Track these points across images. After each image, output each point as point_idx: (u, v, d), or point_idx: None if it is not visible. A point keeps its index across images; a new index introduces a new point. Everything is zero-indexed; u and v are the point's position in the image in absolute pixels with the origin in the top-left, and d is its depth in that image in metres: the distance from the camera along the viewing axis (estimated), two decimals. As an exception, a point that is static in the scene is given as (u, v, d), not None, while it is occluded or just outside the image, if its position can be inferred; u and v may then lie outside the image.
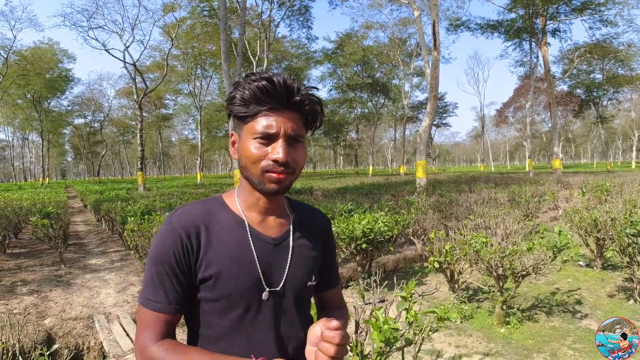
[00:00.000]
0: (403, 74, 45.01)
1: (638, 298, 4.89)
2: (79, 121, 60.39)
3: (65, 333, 4.61)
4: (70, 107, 54.09)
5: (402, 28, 42.29)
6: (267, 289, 1.10)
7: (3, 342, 3.43)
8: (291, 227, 1.19)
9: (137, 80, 28.10)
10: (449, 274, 5.20)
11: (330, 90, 50.28)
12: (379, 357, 2.12)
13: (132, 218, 6.87)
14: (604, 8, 27.15)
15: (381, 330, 1.91)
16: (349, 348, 2.21)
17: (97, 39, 29.68)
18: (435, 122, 54.41)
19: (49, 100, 47.88)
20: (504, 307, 4.54)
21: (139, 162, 26.30)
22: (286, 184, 1.07)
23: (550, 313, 4.80)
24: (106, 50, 27.89)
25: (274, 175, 1.04)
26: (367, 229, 5.65)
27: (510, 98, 59.01)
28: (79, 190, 26.41)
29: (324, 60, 45.91)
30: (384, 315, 2.01)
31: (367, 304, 3.65)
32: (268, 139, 1.04)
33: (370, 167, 48.89)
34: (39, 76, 40.32)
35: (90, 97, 54.96)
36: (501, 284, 4.52)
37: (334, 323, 0.99)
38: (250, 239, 1.11)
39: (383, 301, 3.01)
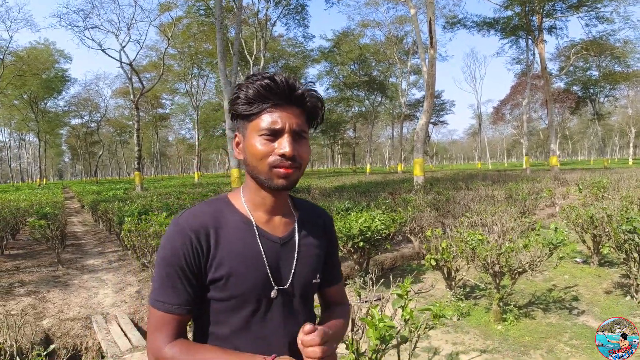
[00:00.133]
0: (400, 72, 45.01)
1: (635, 294, 4.91)
2: (75, 121, 60.34)
3: (63, 334, 4.61)
4: (66, 108, 54.00)
5: (398, 26, 42.33)
6: (276, 287, 1.12)
7: (0, 343, 3.43)
8: (296, 226, 1.21)
9: (133, 80, 28.08)
10: (445, 272, 5.21)
11: (328, 88, 50.28)
12: (374, 355, 2.13)
13: (129, 218, 6.86)
14: (600, 5, 27.18)
15: (377, 328, 1.92)
16: (344, 346, 2.22)
17: (93, 39, 29.69)
18: (432, 120, 54.46)
19: (45, 101, 47.74)
20: (501, 304, 4.55)
21: (136, 162, 26.27)
22: (293, 179, 1.09)
23: (547, 310, 4.81)
24: (102, 50, 27.85)
25: (281, 170, 1.06)
26: (364, 227, 5.66)
27: (507, 95, 59.11)
28: (76, 190, 26.36)
29: (321, 58, 45.87)
30: (380, 313, 2.02)
31: (364, 302, 3.65)
32: (274, 135, 1.06)
33: (368, 166, 48.95)
34: (35, 77, 40.20)
35: (87, 97, 54.81)
36: (498, 281, 4.53)
37: (307, 327, 1.02)
38: (258, 238, 1.12)
39: (380, 299, 3.02)
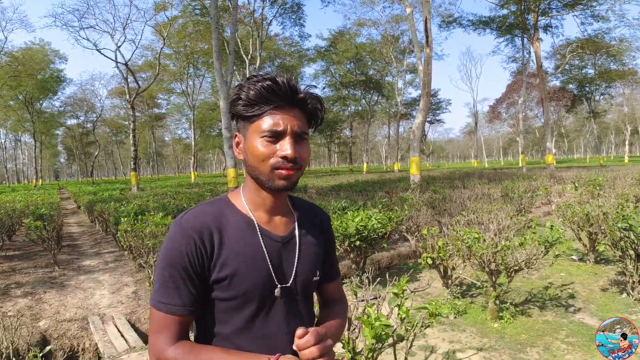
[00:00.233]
0: (396, 71, 45.03)
1: (631, 292, 4.93)
2: (71, 122, 60.19)
3: (60, 335, 4.60)
4: (62, 108, 53.86)
5: (394, 25, 42.33)
6: (279, 285, 1.14)
7: (-4, 345, 3.42)
8: (296, 225, 1.23)
9: (129, 80, 27.99)
10: (442, 270, 5.22)
11: (324, 88, 50.25)
12: (371, 354, 2.13)
13: (126, 218, 6.84)
14: (595, 3, 27.27)
15: (373, 327, 1.92)
16: (341, 345, 2.23)
17: (88, 39, 29.48)
18: (428, 119, 54.56)
19: (41, 101, 47.58)
20: (497, 302, 4.56)
21: (132, 162, 26.25)
22: (294, 180, 1.11)
23: (544, 307, 4.83)
24: (98, 50, 27.82)
25: (283, 171, 1.07)
26: (361, 226, 5.66)
27: (503, 94, 59.25)
28: (72, 191, 26.27)
29: (317, 58, 45.88)
30: (376, 312, 2.02)
31: (361, 301, 3.65)
32: (275, 136, 1.07)
33: (365, 165, 48.99)
34: (31, 77, 40.07)
35: (83, 98, 54.71)
36: (494, 279, 4.54)
37: (300, 331, 1.02)
38: (260, 238, 1.14)
39: (377, 298, 3.03)
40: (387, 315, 2.32)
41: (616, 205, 6.65)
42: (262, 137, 1.07)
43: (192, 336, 1.16)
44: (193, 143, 45.80)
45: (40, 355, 3.02)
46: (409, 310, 2.37)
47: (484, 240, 4.75)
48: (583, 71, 40.10)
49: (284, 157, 1.06)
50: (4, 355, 3.37)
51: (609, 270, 6.04)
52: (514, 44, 33.61)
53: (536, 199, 11.72)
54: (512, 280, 4.60)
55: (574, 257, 6.78)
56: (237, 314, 1.10)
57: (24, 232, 9.15)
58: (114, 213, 8.57)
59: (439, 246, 5.00)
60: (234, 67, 18.95)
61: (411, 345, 2.61)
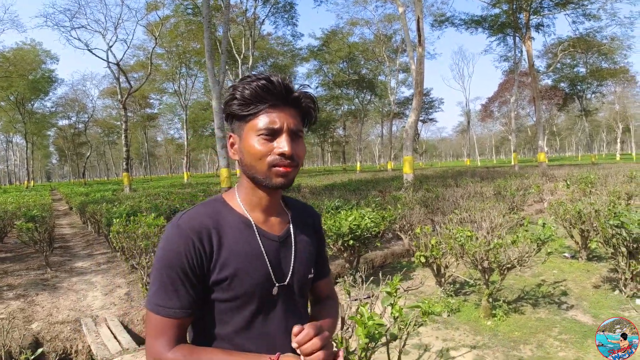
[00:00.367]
0: (389, 70, 45.08)
1: (623, 288, 4.96)
2: (63, 122, 59.75)
3: (52, 337, 4.57)
4: (54, 109, 53.43)
5: (387, 24, 42.36)
6: (277, 284, 1.15)
7: (-13, 348, 3.39)
8: (291, 224, 1.24)
9: (121, 80, 27.88)
10: (435, 268, 5.23)
11: (317, 87, 50.24)
12: (364, 353, 2.13)
13: (118, 220, 6.81)
14: (587, 2, 27.42)
15: (366, 326, 1.92)
16: (334, 344, 2.22)
17: (79, 39, 29.42)
18: (421, 118, 54.64)
19: (32, 102, 47.19)
20: (490, 299, 4.58)
21: (124, 163, 26.15)
22: (291, 178, 1.12)
23: (536, 305, 4.85)
24: (89, 50, 27.66)
25: (281, 169, 1.08)
26: (354, 225, 5.66)
27: (495, 93, 59.52)
28: (64, 192, 26.13)
29: (310, 57, 45.87)
30: (369, 311, 2.02)
31: (354, 300, 3.66)
32: (272, 134, 1.08)
33: (358, 164, 49.07)
34: (22, 78, 39.70)
35: (74, 98, 54.35)
36: (487, 277, 4.56)
37: (296, 329, 1.03)
38: (258, 238, 1.14)
39: (370, 297, 3.04)
40: (381, 314, 2.33)
41: (608, 202, 6.69)
42: (259, 135, 1.07)
43: (188, 338, 1.15)
44: (186, 143, 45.64)
45: (32, 357, 3.01)
46: (402, 309, 2.37)
47: (477, 238, 4.77)
48: (575, 70, 40.34)
49: (282, 154, 1.07)
50: (-5, 358, 3.35)
51: (601, 268, 6.08)
52: (506, 43, 33.78)
53: (528, 197, 11.78)
54: (505, 278, 4.62)
55: (566, 254, 6.82)
56: (236, 314, 1.10)
57: (16, 234, 9.09)
58: (106, 214, 8.53)
59: (432, 245, 5.01)
60: (227, 67, 18.90)
61: (404, 344, 2.62)
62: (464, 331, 4.24)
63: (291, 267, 1.19)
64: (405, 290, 4.13)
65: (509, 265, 4.41)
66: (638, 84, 54.26)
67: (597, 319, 4.36)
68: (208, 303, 1.11)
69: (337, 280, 6.06)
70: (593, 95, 43.97)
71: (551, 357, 3.62)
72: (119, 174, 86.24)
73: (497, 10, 29.73)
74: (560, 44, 33.70)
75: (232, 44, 30.59)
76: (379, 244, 6.96)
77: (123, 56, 30.34)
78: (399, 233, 7.49)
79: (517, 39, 29.96)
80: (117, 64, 27.21)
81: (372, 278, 5.57)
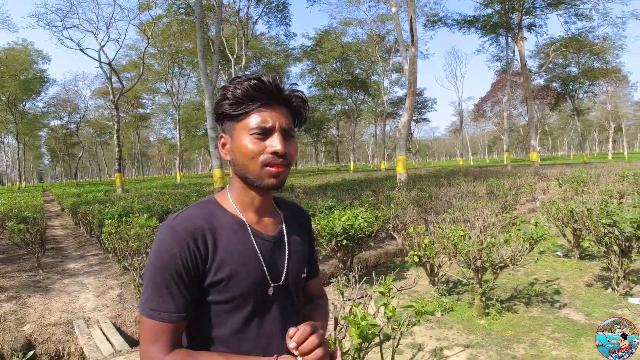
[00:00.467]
0: (382, 70, 45.13)
1: (616, 287, 4.99)
2: (54, 123, 59.25)
3: (45, 339, 4.55)
4: (45, 109, 52.95)
5: (380, 24, 42.40)
6: (272, 284, 1.14)
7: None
8: (284, 224, 1.24)
9: (113, 80, 27.74)
10: (428, 268, 5.24)
11: (310, 87, 50.21)
12: (357, 354, 2.12)
13: (110, 221, 6.77)
14: (579, 2, 27.58)
15: (359, 327, 1.92)
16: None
17: (71, 39, 29.12)
18: (414, 118, 54.78)
19: (24, 102, 46.76)
20: (484, 298, 4.59)
21: (116, 164, 26.04)
22: (283, 178, 1.12)
23: (529, 303, 4.87)
24: (81, 50, 27.49)
25: (273, 169, 1.08)
26: (348, 225, 5.66)
27: (487, 93, 59.79)
28: (56, 193, 25.98)
29: (303, 57, 45.81)
30: (362, 311, 2.01)
31: (347, 300, 3.65)
32: (264, 133, 1.08)
33: (352, 164, 49.04)
34: (14, 78, 39.37)
35: (66, 98, 53.89)
36: (480, 276, 4.57)
37: (291, 330, 1.02)
38: (252, 239, 1.14)
39: (364, 297, 3.03)
40: (374, 314, 2.32)
41: (600, 201, 6.73)
42: (251, 134, 1.07)
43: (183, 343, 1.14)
44: (178, 143, 45.48)
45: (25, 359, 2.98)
46: (395, 308, 2.37)
47: (470, 237, 4.78)
48: (567, 69, 40.57)
49: (274, 153, 1.07)
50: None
51: (594, 266, 6.11)
52: (499, 43, 33.95)
53: (521, 196, 11.83)
54: (498, 277, 4.63)
55: (558, 253, 6.85)
56: (232, 316, 1.09)
57: (7, 235, 9.01)
58: (98, 215, 8.48)
59: (426, 244, 5.02)
60: (219, 67, 18.86)
61: (398, 344, 2.62)
62: (457, 330, 4.24)
63: (285, 267, 1.18)
64: (398, 290, 4.12)
65: (502, 264, 4.43)
66: (630, 83, 54.77)
67: (590, 317, 4.38)
68: (203, 306, 1.09)
69: (330, 280, 6.05)
70: (585, 95, 44.24)
71: (544, 355, 3.63)
72: (111, 174, 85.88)
73: (489, 11, 29.88)
74: (552, 44, 33.89)
75: (225, 43, 30.49)
76: (372, 244, 6.96)
77: (115, 56, 30.19)
78: (392, 233, 7.50)
79: (510, 39, 30.12)
80: (109, 64, 27.07)
81: (365, 278, 5.54)
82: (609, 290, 5.09)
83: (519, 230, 4.82)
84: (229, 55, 30.95)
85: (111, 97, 26.95)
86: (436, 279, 5.28)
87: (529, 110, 28.68)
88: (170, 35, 33.84)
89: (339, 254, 5.99)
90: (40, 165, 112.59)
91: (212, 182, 17.67)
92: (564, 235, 6.78)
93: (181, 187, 26.15)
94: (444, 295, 5.17)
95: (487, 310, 4.53)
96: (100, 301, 5.61)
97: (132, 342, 4.55)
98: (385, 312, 2.34)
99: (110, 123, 51.64)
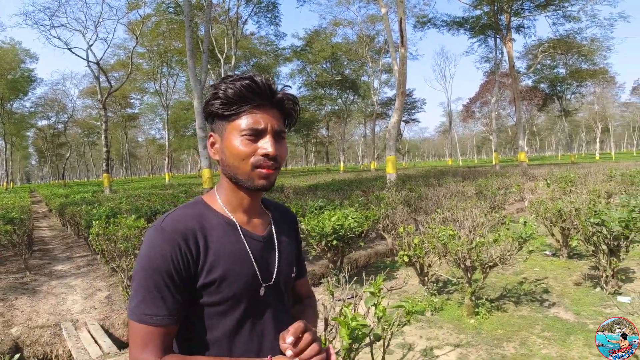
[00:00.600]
0: (372, 70, 45.22)
1: (604, 285, 5.03)
2: (42, 123, 58.57)
3: (32, 342, 4.50)
4: (33, 109, 52.36)
5: (370, 25, 42.50)
6: (263, 284, 1.13)
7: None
8: (273, 225, 1.23)
9: (101, 80, 27.56)
10: (418, 267, 5.25)
11: (300, 87, 50.22)
12: (347, 354, 2.11)
13: (97, 222, 6.70)
14: (567, 4, 27.81)
15: (349, 327, 1.91)
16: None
17: (59, 38, 28.76)
18: (404, 118, 54.96)
19: (11, 102, 46.22)
20: (473, 298, 4.61)
21: (104, 164, 25.81)
22: (273, 180, 1.11)
23: (519, 302, 4.89)
24: (69, 49, 27.17)
25: (263, 170, 1.07)
26: (337, 225, 5.65)
27: (476, 93, 60.18)
28: (44, 194, 25.72)
29: (293, 57, 45.76)
30: (353, 311, 2.00)
31: (338, 300, 3.65)
32: (256, 135, 1.07)
33: (341, 164, 49.10)
34: (1, 77, 38.96)
35: (54, 98, 53.27)
36: (469, 276, 4.58)
37: (284, 333, 1.00)
38: (243, 239, 1.13)
39: (354, 297, 3.02)
40: (364, 315, 2.31)
41: (588, 201, 6.79)
42: (242, 135, 1.06)
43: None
44: (167, 143, 45.19)
45: (10, 362, 2.94)
46: (385, 309, 2.36)
47: (459, 237, 4.79)
48: (554, 71, 40.97)
49: (266, 155, 1.06)
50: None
51: (582, 265, 6.16)
52: (487, 45, 34.16)
53: (509, 196, 11.92)
54: (487, 276, 4.65)
55: (547, 252, 6.90)
56: (225, 317, 1.08)
57: (-6, 236, 8.90)
58: (85, 216, 8.40)
59: (415, 244, 5.02)
60: (209, 66, 18.79)
61: (388, 344, 2.61)
62: (447, 330, 4.25)
63: (276, 267, 1.17)
64: (389, 290, 4.13)
65: (491, 264, 4.45)
66: (617, 84, 55.42)
67: (579, 316, 4.42)
68: (195, 309, 1.07)
69: (320, 281, 6.05)
70: (573, 96, 44.70)
71: (534, 354, 3.65)
72: (99, 175, 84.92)
73: (478, 12, 30.05)
74: (540, 45, 34.16)
75: (214, 43, 30.39)
76: (362, 244, 6.96)
77: (103, 55, 29.87)
78: (382, 233, 7.50)
79: (498, 40, 30.32)
80: (97, 63, 26.83)
81: (355, 278, 5.56)
82: (598, 289, 5.14)
83: (508, 229, 4.85)
84: (219, 55, 30.84)
85: (99, 96, 26.76)
86: (426, 278, 5.29)
87: (517, 111, 28.90)
88: (159, 35, 33.63)
89: (329, 254, 5.98)
90: (27, 166, 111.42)
91: (201, 182, 17.59)
92: (552, 235, 6.83)
93: (170, 187, 26.00)
94: (434, 294, 5.18)
95: (476, 310, 4.54)
96: (88, 303, 5.55)
97: (121, 345, 4.50)
98: (375, 313, 2.33)
99: (98, 123, 51.19)
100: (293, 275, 1.27)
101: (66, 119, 55.80)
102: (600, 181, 12.74)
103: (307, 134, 61.82)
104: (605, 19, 30.78)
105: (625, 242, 4.84)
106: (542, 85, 43.87)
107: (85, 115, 61.22)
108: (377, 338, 2.32)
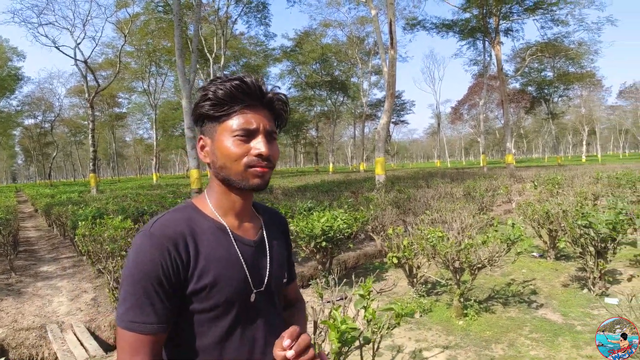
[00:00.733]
0: (361, 72, 45.34)
1: (592, 287, 5.07)
2: (29, 122, 57.90)
3: (18, 344, 4.44)
4: (19, 107, 51.71)
5: (360, 27, 42.63)
6: (254, 290, 1.11)
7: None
8: (264, 229, 1.22)
9: (88, 78, 27.26)
10: (407, 269, 5.25)
11: (290, 88, 50.09)
12: (336, 358, 2.10)
13: (83, 222, 6.63)
14: (555, 8, 28.09)
15: (339, 331, 1.89)
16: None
17: (47, 36, 28.70)
18: (393, 120, 55.14)
19: (-3, 101, 45.69)
20: (462, 299, 4.62)
21: (91, 164, 25.58)
22: (267, 179, 1.09)
23: (507, 304, 4.91)
24: (57, 47, 26.86)
25: (258, 169, 1.05)
26: (327, 226, 5.64)
27: (464, 96, 60.57)
28: (30, 194, 25.45)
29: (283, 58, 45.67)
30: (342, 314, 1.99)
31: (327, 302, 3.62)
32: (248, 135, 1.05)
33: (331, 165, 49.13)
34: (-12, 76, 38.49)
35: (41, 97, 52.66)
36: (458, 277, 4.60)
37: (280, 339, 0.99)
38: (235, 244, 1.10)
39: (343, 299, 3.00)
40: (354, 317, 2.30)
41: (575, 203, 6.84)
42: (234, 136, 1.04)
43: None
44: (155, 143, 44.84)
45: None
46: (375, 311, 2.35)
47: (448, 238, 4.81)
48: (542, 74, 41.35)
49: (259, 155, 1.04)
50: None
51: (570, 267, 6.21)
52: (476, 47, 34.42)
53: (497, 198, 11.99)
54: (476, 277, 4.67)
55: (534, 254, 6.95)
56: (215, 324, 1.05)
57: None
58: (71, 217, 8.31)
59: (404, 245, 5.03)
60: (198, 66, 18.70)
61: (378, 347, 2.60)
62: (436, 331, 4.26)
63: (268, 272, 1.16)
64: (378, 292, 4.12)
65: (480, 265, 4.46)
66: (604, 87, 56.04)
67: (566, 317, 4.44)
68: (184, 316, 1.04)
69: (309, 282, 6.04)
70: (560, 99, 45.10)
71: (523, 356, 3.66)
72: (86, 175, 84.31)
73: (467, 15, 30.26)
74: (528, 49, 34.51)
75: (203, 42, 30.20)
76: (351, 245, 6.96)
77: (91, 54, 29.56)
78: (371, 234, 7.51)
79: (487, 43, 30.54)
80: (85, 62, 26.58)
81: (344, 280, 5.55)
82: (585, 290, 5.18)
83: (496, 231, 4.87)
84: (208, 54, 30.70)
85: (86, 95, 26.45)
86: (415, 280, 5.30)
87: (505, 113, 29.14)
88: (148, 34, 33.38)
89: (318, 256, 5.97)
90: (13, 165, 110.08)
91: (189, 183, 17.49)
92: (540, 236, 6.87)
93: (157, 187, 25.84)
94: (423, 296, 5.19)
95: (465, 311, 4.56)
96: (74, 305, 5.49)
97: (107, 347, 4.46)
98: (365, 315, 2.32)
99: (85, 122, 50.58)
100: (285, 279, 1.26)
101: (53, 118, 55.21)
102: (587, 183, 12.87)
103: (296, 134, 61.75)
104: (593, 22, 31.18)
105: (612, 244, 4.89)
106: (529, 88, 44.24)
107: (72, 114, 60.57)
108: (367, 341, 2.31)
